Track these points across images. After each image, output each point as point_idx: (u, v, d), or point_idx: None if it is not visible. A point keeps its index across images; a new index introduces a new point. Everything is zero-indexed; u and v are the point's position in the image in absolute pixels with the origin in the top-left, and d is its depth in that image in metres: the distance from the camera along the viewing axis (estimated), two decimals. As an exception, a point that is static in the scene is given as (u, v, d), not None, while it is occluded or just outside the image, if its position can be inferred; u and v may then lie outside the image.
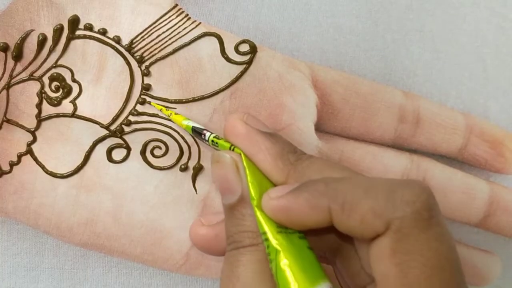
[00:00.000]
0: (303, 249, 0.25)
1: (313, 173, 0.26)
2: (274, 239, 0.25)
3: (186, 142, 0.33)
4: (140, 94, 0.33)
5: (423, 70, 0.37)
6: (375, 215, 0.23)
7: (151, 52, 0.32)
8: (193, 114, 0.33)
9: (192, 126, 0.30)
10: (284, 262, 0.24)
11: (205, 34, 0.33)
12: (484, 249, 0.36)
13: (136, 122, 0.33)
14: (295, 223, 0.25)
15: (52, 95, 0.32)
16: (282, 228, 0.25)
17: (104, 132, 0.33)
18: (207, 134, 0.29)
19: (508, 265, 0.37)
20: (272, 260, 0.24)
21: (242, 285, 0.25)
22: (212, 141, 0.29)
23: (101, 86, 0.32)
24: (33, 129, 0.32)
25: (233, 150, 0.27)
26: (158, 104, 0.32)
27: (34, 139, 0.32)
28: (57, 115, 0.32)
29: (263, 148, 0.27)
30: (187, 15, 0.33)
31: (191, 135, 0.30)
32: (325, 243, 0.27)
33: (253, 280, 0.25)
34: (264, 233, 0.25)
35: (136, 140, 0.33)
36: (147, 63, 0.32)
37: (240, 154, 0.27)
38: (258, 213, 0.26)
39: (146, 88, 0.33)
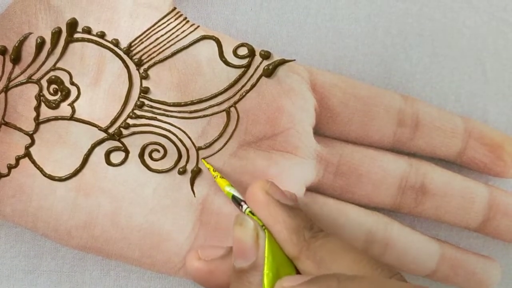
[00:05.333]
0: None
1: (325, 253, 0.27)
2: None
3: (184, 145, 0.33)
4: (139, 97, 0.33)
5: (422, 74, 0.37)
6: None
7: (149, 55, 0.32)
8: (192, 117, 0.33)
9: (233, 194, 0.31)
10: None
11: (203, 37, 0.33)
12: (483, 255, 0.36)
13: (135, 125, 0.33)
14: None
15: (51, 98, 0.32)
16: None
17: (103, 135, 0.33)
18: (244, 206, 0.30)
19: (508, 271, 0.37)
20: None
21: None
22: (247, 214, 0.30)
23: (100, 89, 0.32)
24: (32, 132, 0.32)
25: (264, 229, 0.29)
26: (207, 163, 0.33)
27: (33, 142, 0.32)
28: (56, 118, 0.32)
29: (281, 220, 0.28)
30: (185, 18, 0.33)
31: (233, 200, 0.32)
32: None
33: None
34: None
35: (134, 143, 0.33)
36: (145, 66, 0.32)
37: (265, 232, 0.28)
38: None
39: (145, 91, 0.32)
